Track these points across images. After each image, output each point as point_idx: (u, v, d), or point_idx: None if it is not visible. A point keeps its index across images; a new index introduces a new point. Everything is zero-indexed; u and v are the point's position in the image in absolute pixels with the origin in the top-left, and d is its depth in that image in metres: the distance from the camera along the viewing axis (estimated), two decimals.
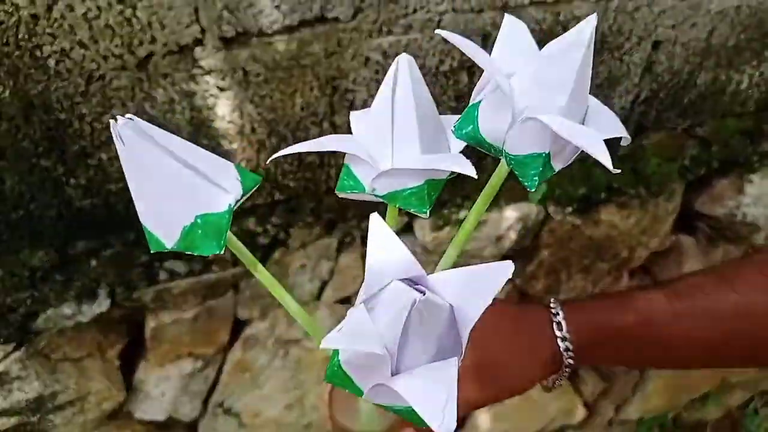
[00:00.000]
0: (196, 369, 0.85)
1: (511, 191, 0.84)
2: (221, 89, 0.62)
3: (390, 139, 0.26)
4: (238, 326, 0.85)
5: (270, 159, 0.27)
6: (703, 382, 1.34)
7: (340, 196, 0.28)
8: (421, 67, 0.68)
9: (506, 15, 0.29)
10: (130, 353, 0.84)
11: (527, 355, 0.39)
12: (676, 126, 0.86)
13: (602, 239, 0.93)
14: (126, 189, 0.64)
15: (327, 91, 0.66)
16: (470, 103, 0.27)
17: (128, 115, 0.23)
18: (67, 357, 0.76)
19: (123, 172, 0.65)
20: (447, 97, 0.71)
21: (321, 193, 0.75)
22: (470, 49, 0.24)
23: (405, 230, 0.83)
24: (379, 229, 0.22)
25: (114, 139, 0.23)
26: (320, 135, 0.69)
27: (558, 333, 0.39)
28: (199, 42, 0.58)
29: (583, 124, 0.26)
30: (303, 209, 0.75)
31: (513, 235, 0.86)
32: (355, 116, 0.30)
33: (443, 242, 0.83)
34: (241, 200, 0.26)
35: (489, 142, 0.26)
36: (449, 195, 0.81)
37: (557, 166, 0.26)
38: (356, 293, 0.93)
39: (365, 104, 0.69)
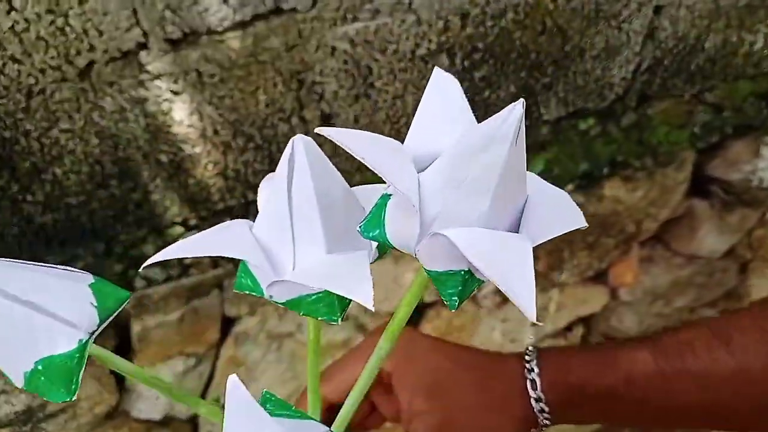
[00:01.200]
0: (189, 366, 0.84)
1: None
2: (175, 93, 0.57)
3: (290, 237, 0.22)
4: (227, 324, 0.83)
5: (143, 266, 0.23)
6: None
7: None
8: (395, 53, 0.63)
9: (435, 69, 0.24)
10: (121, 353, 0.83)
11: (497, 414, 0.35)
12: (683, 93, 0.79)
13: (607, 215, 0.88)
14: (88, 201, 0.60)
15: (292, 86, 0.61)
16: (382, 194, 0.22)
17: None
18: None
19: (81, 185, 0.62)
20: (426, 82, 0.66)
21: None
22: (359, 148, 0.19)
23: None
24: (237, 399, 0.18)
25: None
26: (290, 132, 0.64)
27: (532, 393, 0.35)
28: (143, 46, 0.54)
29: (519, 221, 0.21)
30: None
31: None
32: (264, 184, 0.26)
33: None
34: (105, 325, 0.22)
35: (402, 252, 0.21)
36: None
37: (484, 278, 0.21)
38: None
39: (336, 96, 0.64)
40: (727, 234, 1.04)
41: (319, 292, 0.22)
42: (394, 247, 0.21)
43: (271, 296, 0.22)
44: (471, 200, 0.19)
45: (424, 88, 0.69)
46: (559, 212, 0.21)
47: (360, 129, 0.67)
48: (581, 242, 0.90)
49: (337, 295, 0.22)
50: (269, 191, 0.24)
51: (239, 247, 0.22)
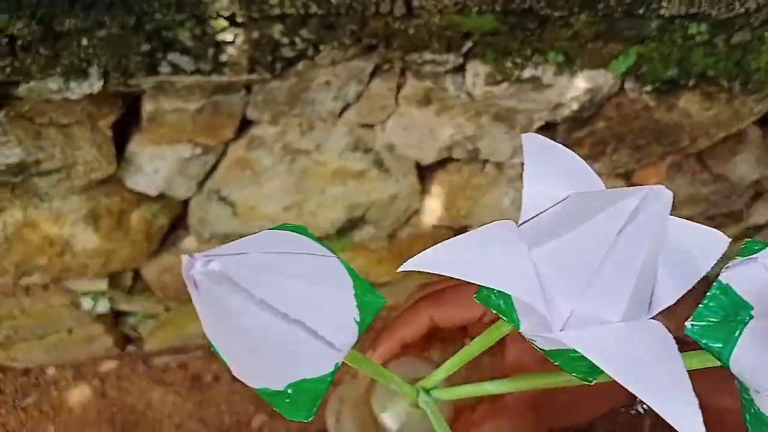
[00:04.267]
0: (195, 155, 0.79)
1: (592, 54, 0.69)
2: None
3: (583, 287, 0.17)
4: (244, 126, 0.77)
5: (401, 268, 0.17)
6: None
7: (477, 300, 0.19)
8: None
9: None
10: (125, 123, 0.77)
11: (600, 391, 0.34)
12: None
13: (670, 125, 0.81)
14: None
15: None
16: (726, 293, 0.16)
17: (204, 253, 0.14)
18: (53, 123, 0.69)
19: None
20: None
21: (368, 15, 0.61)
22: None
23: (455, 70, 0.71)
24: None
25: (185, 281, 0.15)
26: None
27: None
28: None
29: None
30: (341, 28, 0.62)
31: (575, 106, 0.74)
32: (537, 165, 0.19)
33: (494, 98, 0.71)
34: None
35: (740, 380, 0.17)
36: (519, 44, 0.67)
37: None
38: (382, 122, 0.83)
39: None
40: (764, 166, 1.00)
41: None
42: (728, 366, 0.16)
43: (534, 340, 0.18)
44: None
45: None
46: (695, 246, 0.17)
47: None
48: (630, 143, 0.85)
49: None
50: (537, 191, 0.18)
51: (521, 286, 0.16)
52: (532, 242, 0.17)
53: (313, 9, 0.59)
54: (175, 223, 0.92)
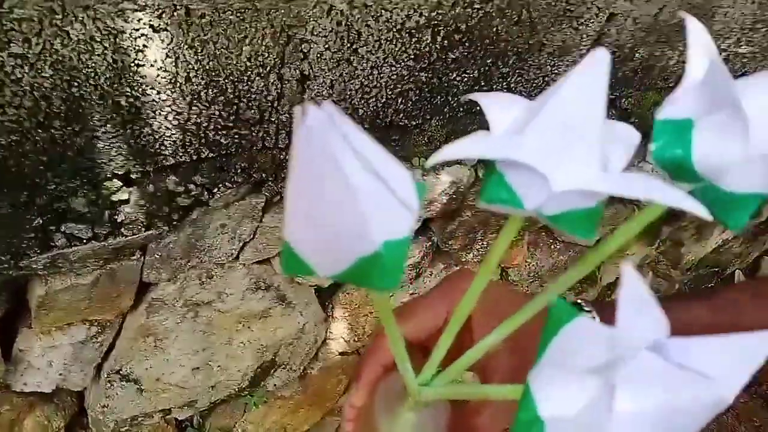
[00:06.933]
0: (90, 335, 0.75)
1: None
2: (155, 29, 0.50)
3: (570, 148, 0.21)
4: (142, 289, 0.75)
5: (430, 162, 0.20)
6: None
7: (481, 207, 0.22)
8: (387, 21, 0.60)
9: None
10: (9, 321, 0.71)
11: None
12: None
13: None
14: (21, 142, 0.52)
15: (281, 41, 0.56)
16: (670, 118, 0.22)
17: (326, 104, 0.16)
18: None
19: (19, 122, 0.52)
20: (406, 56, 0.64)
21: (255, 151, 0.66)
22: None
23: None
24: (634, 285, 0.18)
25: (297, 129, 0.16)
26: (265, 89, 0.59)
27: None
28: None
29: None
30: (232, 168, 0.66)
31: (444, 199, 0.83)
32: (493, 103, 0.24)
33: None
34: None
35: (696, 172, 0.22)
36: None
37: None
38: (279, 254, 0.86)
39: (321, 57, 0.60)
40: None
41: (586, 209, 0.21)
42: (690, 168, 0.21)
43: (539, 208, 0.21)
44: None
45: (403, 62, 0.67)
46: None
47: (332, 95, 0.64)
48: (495, 226, 0.95)
49: (594, 213, 0.22)
50: (502, 107, 0.23)
51: (518, 151, 0.20)
52: (515, 132, 0.22)
53: (205, 153, 0.63)
54: (72, 420, 0.83)
